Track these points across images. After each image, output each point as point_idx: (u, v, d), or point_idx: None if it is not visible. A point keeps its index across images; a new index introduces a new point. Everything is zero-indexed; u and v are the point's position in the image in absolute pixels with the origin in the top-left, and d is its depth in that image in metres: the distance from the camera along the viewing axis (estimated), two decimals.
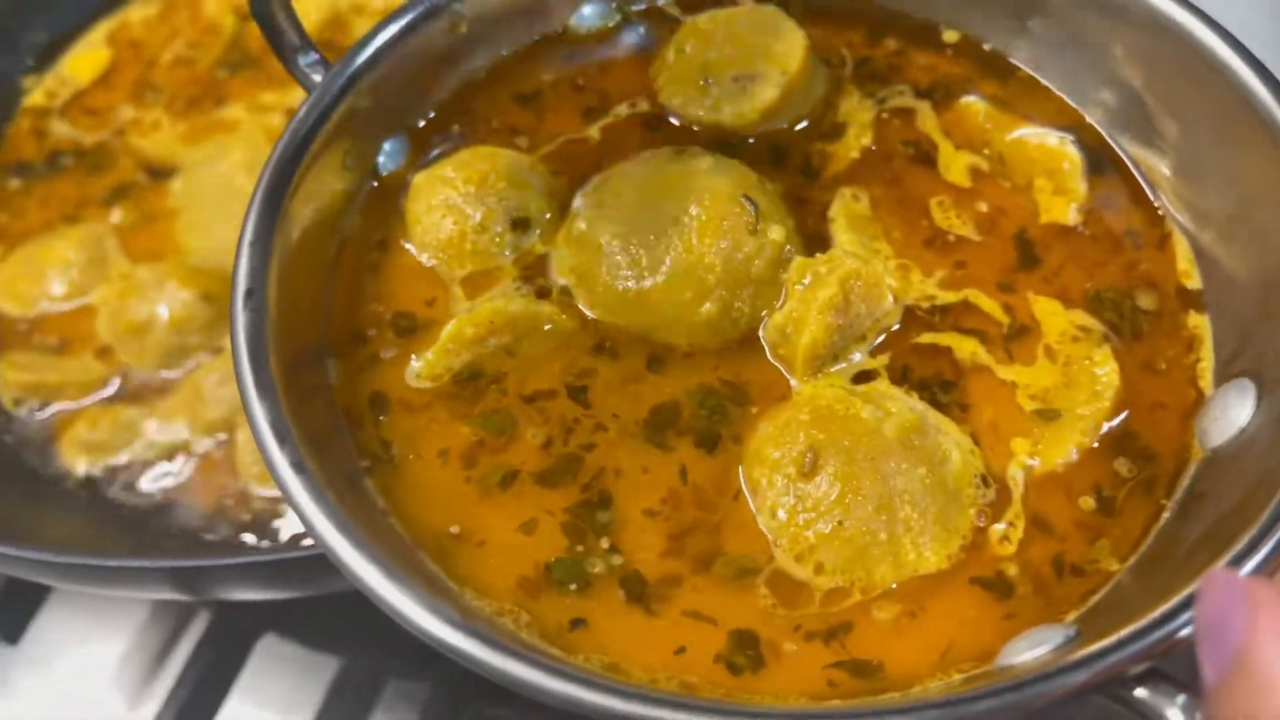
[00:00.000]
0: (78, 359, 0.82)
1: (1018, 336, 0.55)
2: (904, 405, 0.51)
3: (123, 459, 0.79)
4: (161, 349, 0.81)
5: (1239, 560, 0.41)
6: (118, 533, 0.75)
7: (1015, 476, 0.51)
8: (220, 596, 0.73)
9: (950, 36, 0.63)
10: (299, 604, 0.77)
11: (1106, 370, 0.53)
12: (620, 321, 0.54)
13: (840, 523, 0.48)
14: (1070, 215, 0.58)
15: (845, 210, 0.58)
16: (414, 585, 0.42)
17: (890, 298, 0.54)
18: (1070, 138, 0.60)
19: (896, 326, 0.54)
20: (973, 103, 0.62)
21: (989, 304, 0.55)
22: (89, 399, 0.80)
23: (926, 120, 0.61)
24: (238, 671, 0.78)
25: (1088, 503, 0.50)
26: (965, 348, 0.54)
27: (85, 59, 0.97)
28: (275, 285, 0.50)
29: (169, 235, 0.86)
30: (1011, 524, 0.50)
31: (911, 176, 0.59)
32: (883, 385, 0.53)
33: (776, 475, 0.49)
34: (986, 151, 0.60)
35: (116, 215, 0.87)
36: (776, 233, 0.54)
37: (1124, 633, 0.40)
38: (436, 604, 0.42)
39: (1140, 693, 0.39)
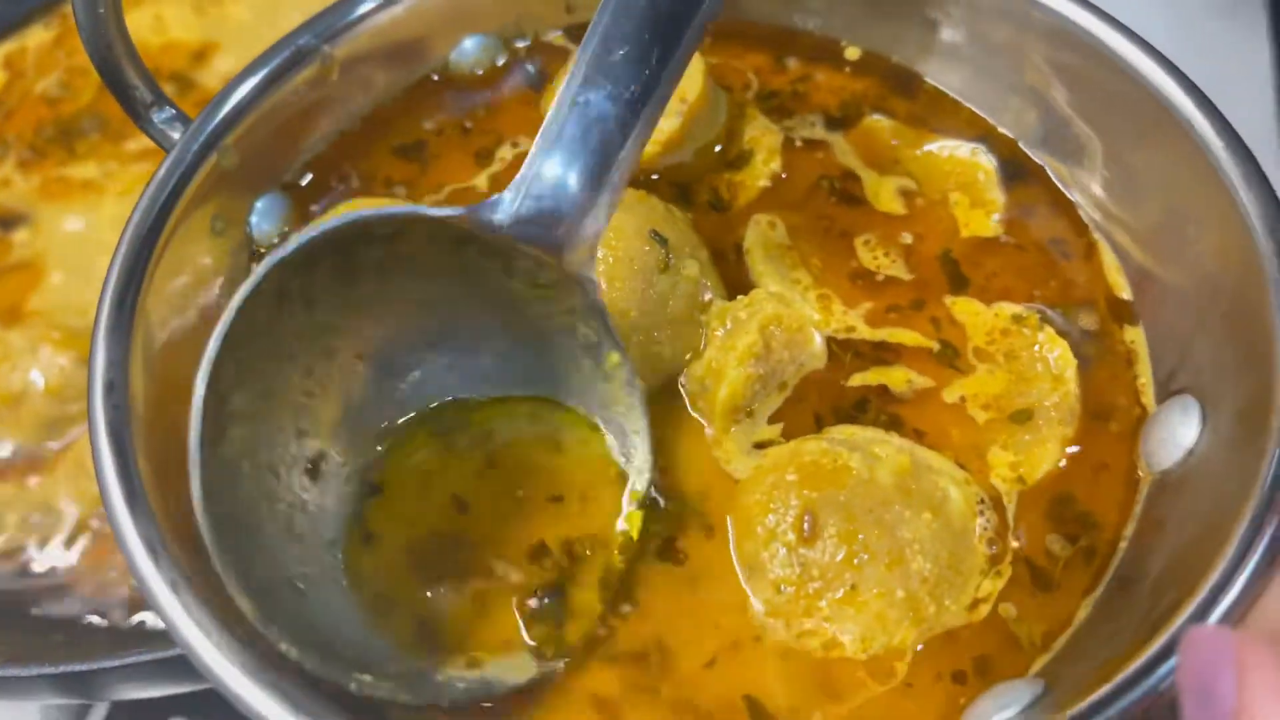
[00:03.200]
0: None
1: (949, 349, 0.52)
2: (892, 448, 0.48)
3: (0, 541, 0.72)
4: (39, 419, 0.75)
5: (1205, 607, 0.38)
6: None
7: (1009, 496, 0.48)
8: (116, 697, 0.68)
9: (852, 53, 0.61)
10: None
11: (1058, 352, 0.51)
12: None
13: (853, 586, 0.44)
14: (991, 226, 0.56)
15: (761, 239, 0.54)
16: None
17: (817, 340, 0.51)
18: (982, 147, 0.58)
19: (821, 368, 0.51)
20: (877, 120, 0.59)
21: (911, 335, 0.52)
22: None
23: (844, 154, 0.58)
24: None
25: (1059, 527, 0.48)
26: (898, 378, 0.51)
27: None
28: (141, 375, 0.45)
29: (34, 292, 0.80)
30: (1000, 563, 0.47)
31: (837, 213, 0.56)
32: (863, 429, 0.49)
33: (776, 545, 0.45)
34: (899, 169, 0.58)
35: None
36: (690, 268, 0.51)
37: (1100, 693, 0.37)
38: None
39: None
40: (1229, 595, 0.38)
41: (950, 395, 0.51)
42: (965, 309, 0.53)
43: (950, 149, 0.58)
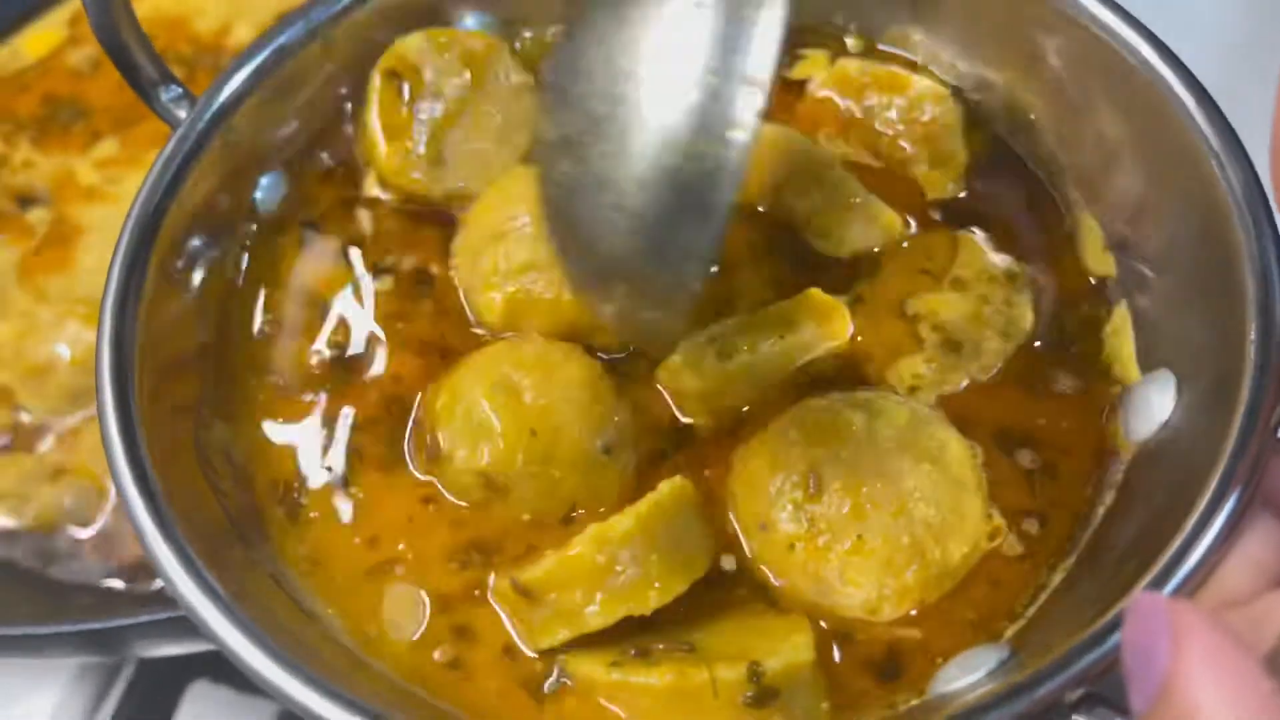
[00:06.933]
0: None
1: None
2: (891, 403, 0.49)
3: (29, 507, 0.74)
4: (65, 390, 0.77)
5: (1163, 576, 0.40)
6: (26, 592, 0.71)
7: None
8: (140, 654, 0.70)
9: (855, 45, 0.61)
10: None
11: (1017, 315, 0.52)
12: None
13: (860, 537, 0.46)
14: (950, 190, 0.56)
15: None
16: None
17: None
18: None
19: None
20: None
21: None
22: None
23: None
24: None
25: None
26: None
27: (42, 37, 0.93)
28: (148, 352, 0.48)
29: (60, 268, 0.82)
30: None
31: None
32: (858, 391, 0.50)
33: (784, 501, 0.47)
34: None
35: (12, 247, 0.82)
36: None
37: (1056, 656, 0.38)
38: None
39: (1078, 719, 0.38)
40: (1186, 565, 0.39)
41: (910, 306, 0.52)
42: (968, 243, 0.54)
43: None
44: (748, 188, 0.54)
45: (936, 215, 0.55)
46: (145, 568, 0.71)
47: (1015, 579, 0.47)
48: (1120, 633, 0.37)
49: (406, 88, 0.57)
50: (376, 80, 0.57)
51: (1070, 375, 0.51)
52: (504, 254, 0.51)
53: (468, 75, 0.58)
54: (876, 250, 0.54)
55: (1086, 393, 0.51)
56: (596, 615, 0.43)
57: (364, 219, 0.57)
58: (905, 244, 0.54)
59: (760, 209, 0.55)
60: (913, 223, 0.55)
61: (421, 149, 0.56)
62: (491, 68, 0.58)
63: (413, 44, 0.57)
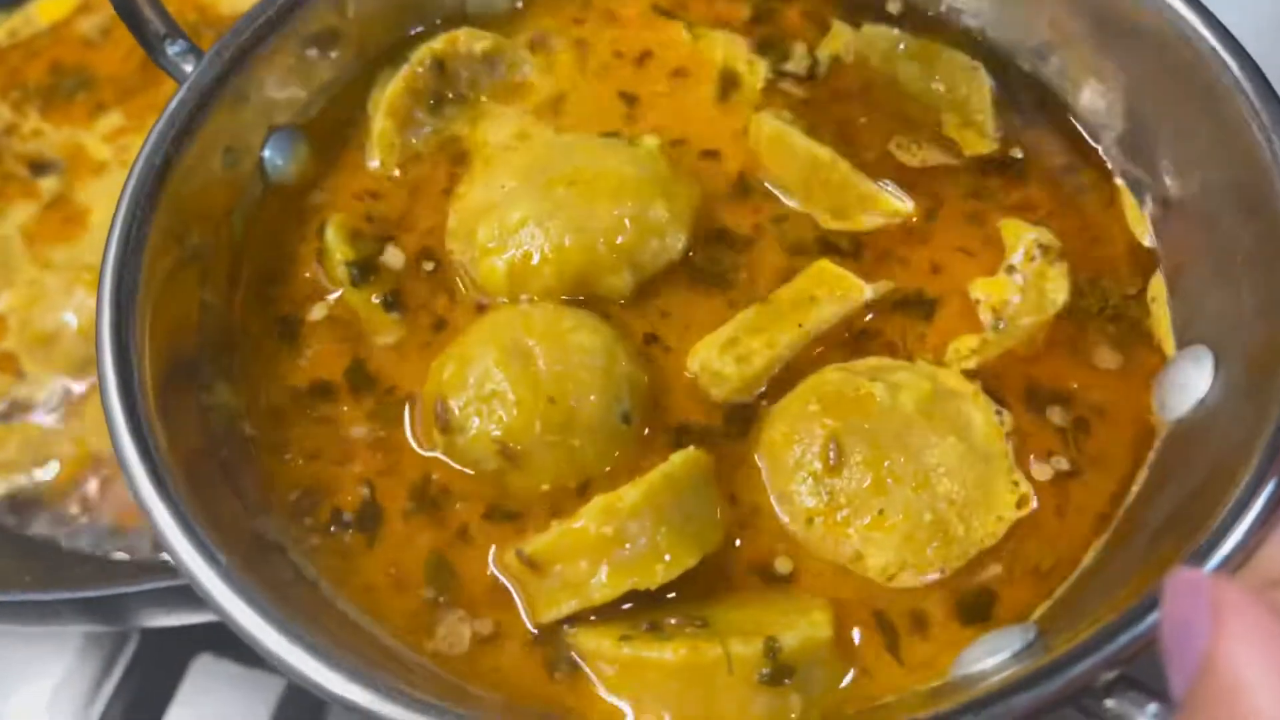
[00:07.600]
0: None
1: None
2: (912, 376, 0.47)
3: (33, 476, 0.74)
4: (71, 359, 0.76)
5: (1203, 555, 0.38)
6: (29, 560, 0.71)
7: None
8: (143, 624, 0.69)
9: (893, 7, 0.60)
10: None
11: (1052, 289, 0.51)
12: None
13: (881, 511, 0.44)
14: (988, 145, 0.55)
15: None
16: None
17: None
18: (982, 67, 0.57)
19: None
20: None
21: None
22: None
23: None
24: (173, 694, 0.75)
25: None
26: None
27: (56, 1, 0.92)
28: (148, 309, 0.46)
29: (67, 235, 0.81)
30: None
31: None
32: (878, 360, 0.49)
33: (803, 474, 0.45)
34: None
35: (21, 214, 0.81)
36: None
37: (1089, 636, 0.37)
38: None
39: (1110, 703, 0.36)
40: (1226, 545, 0.38)
41: (974, 290, 0.51)
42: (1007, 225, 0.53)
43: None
44: (757, 175, 0.55)
45: (970, 192, 0.54)
46: (150, 537, 0.71)
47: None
48: (1157, 611, 0.35)
49: (438, 77, 0.57)
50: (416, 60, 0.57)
51: (1111, 345, 0.50)
52: (497, 220, 0.50)
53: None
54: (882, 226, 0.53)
55: (1129, 362, 0.49)
56: (602, 587, 0.42)
57: (369, 185, 0.56)
58: (939, 227, 0.53)
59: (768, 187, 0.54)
60: (940, 203, 0.54)
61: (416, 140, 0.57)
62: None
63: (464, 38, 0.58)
